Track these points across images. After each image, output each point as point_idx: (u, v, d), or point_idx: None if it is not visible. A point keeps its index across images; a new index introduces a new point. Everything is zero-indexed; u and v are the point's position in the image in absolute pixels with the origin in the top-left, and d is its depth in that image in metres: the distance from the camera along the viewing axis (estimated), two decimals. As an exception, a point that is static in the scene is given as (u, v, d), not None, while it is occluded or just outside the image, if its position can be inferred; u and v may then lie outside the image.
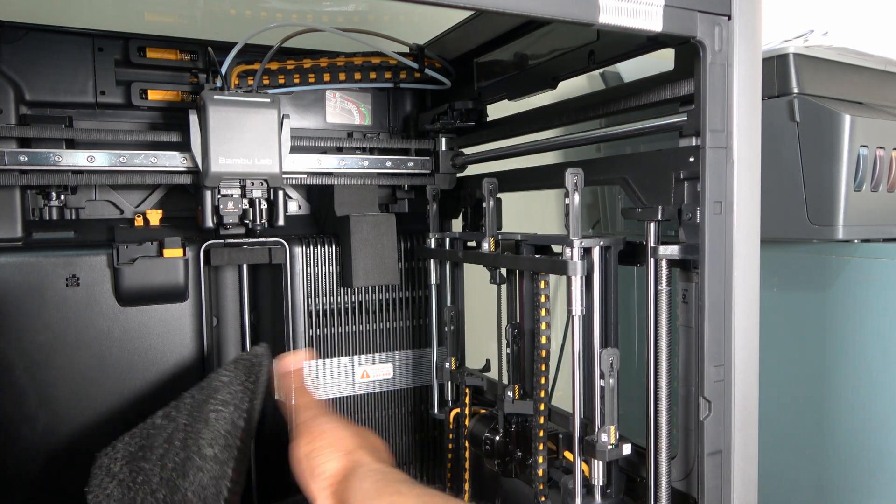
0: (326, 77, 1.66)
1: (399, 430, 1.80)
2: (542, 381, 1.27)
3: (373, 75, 1.69)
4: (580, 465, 1.17)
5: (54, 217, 1.54)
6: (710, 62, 1.00)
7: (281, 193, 1.52)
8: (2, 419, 1.42)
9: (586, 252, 1.15)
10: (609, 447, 1.12)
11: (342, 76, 1.67)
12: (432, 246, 1.65)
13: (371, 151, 1.76)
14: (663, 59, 1.19)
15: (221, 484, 1.09)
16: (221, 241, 1.58)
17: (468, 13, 1.58)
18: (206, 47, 1.60)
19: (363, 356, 1.73)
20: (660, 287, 1.09)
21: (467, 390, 1.56)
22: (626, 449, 1.14)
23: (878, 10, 2.62)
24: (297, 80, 1.64)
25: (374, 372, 1.74)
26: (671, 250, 1.08)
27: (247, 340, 1.73)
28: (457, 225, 1.82)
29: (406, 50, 1.71)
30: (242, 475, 1.16)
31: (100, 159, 1.44)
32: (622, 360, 1.14)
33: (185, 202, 1.67)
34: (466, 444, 1.55)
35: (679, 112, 1.11)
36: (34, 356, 1.44)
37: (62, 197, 1.55)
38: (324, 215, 1.79)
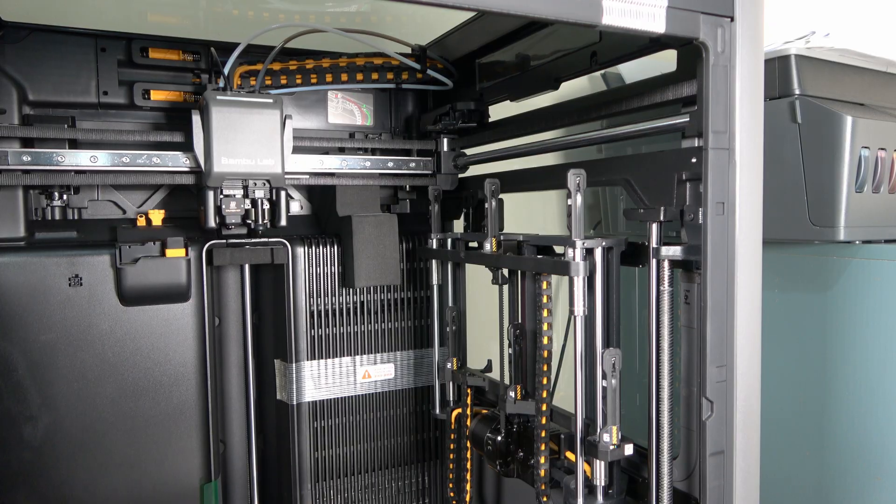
0: (328, 78, 1.66)
1: (400, 430, 1.80)
2: (544, 381, 1.27)
3: (375, 76, 1.69)
4: (582, 466, 1.17)
5: (57, 217, 1.55)
6: (712, 63, 1.00)
7: (283, 194, 1.52)
8: (4, 418, 1.42)
9: (588, 253, 1.15)
10: (611, 447, 1.12)
11: (344, 77, 1.67)
12: (434, 246, 1.65)
13: (373, 152, 1.76)
14: (665, 61, 1.19)
15: None
16: (224, 241, 1.59)
17: (470, 14, 1.58)
18: (209, 48, 1.60)
19: (365, 356, 1.73)
20: (662, 288, 1.09)
21: (469, 390, 1.56)
22: (628, 449, 1.14)
23: (880, 12, 2.62)
24: (299, 81, 1.64)
25: (375, 372, 1.75)
26: (673, 251, 1.08)
27: (249, 340, 1.73)
28: (458, 225, 1.82)
29: (408, 51, 1.71)
30: None
31: (102, 159, 1.44)
32: (624, 360, 1.15)
33: (187, 202, 1.68)
34: (468, 444, 1.55)
35: (681, 113, 1.12)
36: (36, 356, 1.44)
37: (65, 197, 1.55)
38: (325, 216, 1.79)
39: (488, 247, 1.42)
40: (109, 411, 1.51)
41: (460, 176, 1.80)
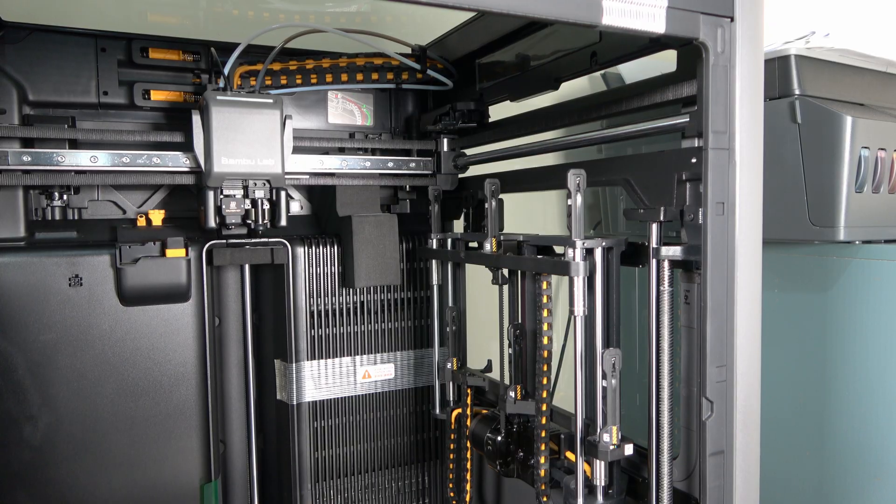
0: (329, 78, 1.66)
1: (400, 430, 1.80)
2: (545, 381, 1.27)
3: (375, 76, 1.69)
4: (582, 466, 1.17)
5: (57, 217, 1.55)
6: (712, 64, 1.00)
7: (283, 194, 1.52)
8: (4, 418, 1.42)
9: (588, 253, 1.15)
10: (611, 447, 1.12)
11: (344, 77, 1.67)
12: (434, 246, 1.65)
13: (373, 152, 1.76)
14: (665, 61, 1.19)
15: None
16: (224, 241, 1.59)
17: (470, 14, 1.58)
18: (209, 48, 1.60)
19: (365, 356, 1.73)
20: (662, 288, 1.09)
21: (469, 391, 1.56)
22: (628, 449, 1.14)
23: (880, 12, 2.62)
24: (299, 81, 1.64)
25: (375, 372, 1.75)
26: (673, 251, 1.08)
27: (249, 340, 1.73)
28: (458, 226, 1.82)
29: (408, 51, 1.71)
30: None
31: (102, 159, 1.44)
32: (624, 360, 1.15)
33: (187, 202, 1.68)
34: (468, 444, 1.55)
35: (681, 113, 1.12)
36: (36, 356, 1.44)
37: (65, 197, 1.55)
38: (325, 216, 1.79)
39: (488, 247, 1.42)
40: (109, 411, 1.51)
41: (460, 176, 1.80)
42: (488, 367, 1.62)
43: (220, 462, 1.70)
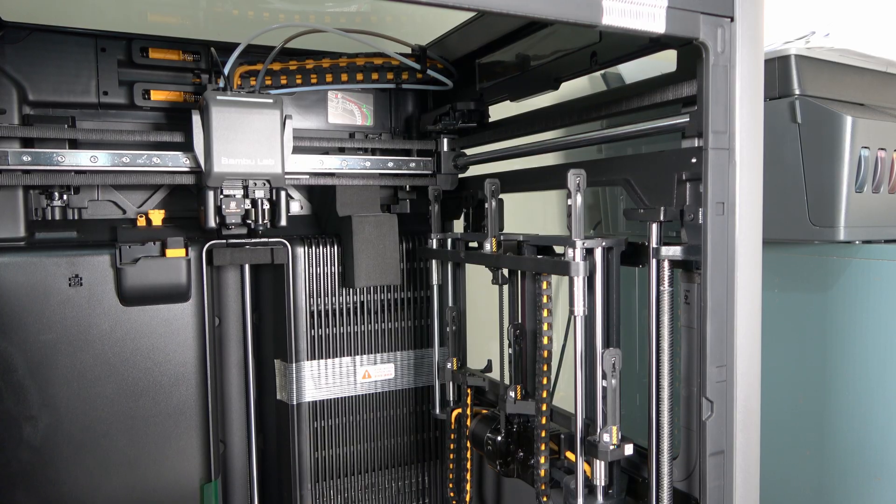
0: (329, 78, 1.66)
1: (400, 430, 1.80)
2: (545, 381, 1.27)
3: (375, 76, 1.69)
4: (582, 466, 1.17)
5: (57, 217, 1.55)
6: (712, 63, 1.00)
7: (283, 194, 1.52)
8: (4, 418, 1.42)
9: (588, 253, 1.15)
10: (611, 447, 1.12)
11: (344, 77, 1.67)
12: (434, 246, 1.65)
13: (373, 152, 1.76)
14: (665, 61, 1.19)
15: None
16: (224, 241, 1.59)
17: (470, 14, 1.58)
18: (209, 48, 1.60)
19: (365, 356, 1.73)
20: (662, 287, 1.09)
21: (469, 391, 1.56)
22: (628, 449, 1.14)
23: (880, 12, 2.62)
24: (299, 81, 1.64)
25: (375, 372, 1.75)
26: (673, 251, 1.08)
27: (249, 340, 1.73)
28: (458, 225, 1.82)
29: (408, 51, 1.71)
30: None
31: (102, 159, 1.44)
32: (624, 360, 1.15)
33: (187, 202, 1.68)
34: (468, 444, 1.55)
35: (681, 113, 1.12)
36: (36, 356, 1.44)
37: (65, 197, 1.55)
38: (325, 216, 1.79)
39: (488, 247, 1.42)
40: (109, 411, 1.51)
41: (460, 176, 1.80)
42: (488, 367, 1.62)
43: (220, 462, 1.70)
